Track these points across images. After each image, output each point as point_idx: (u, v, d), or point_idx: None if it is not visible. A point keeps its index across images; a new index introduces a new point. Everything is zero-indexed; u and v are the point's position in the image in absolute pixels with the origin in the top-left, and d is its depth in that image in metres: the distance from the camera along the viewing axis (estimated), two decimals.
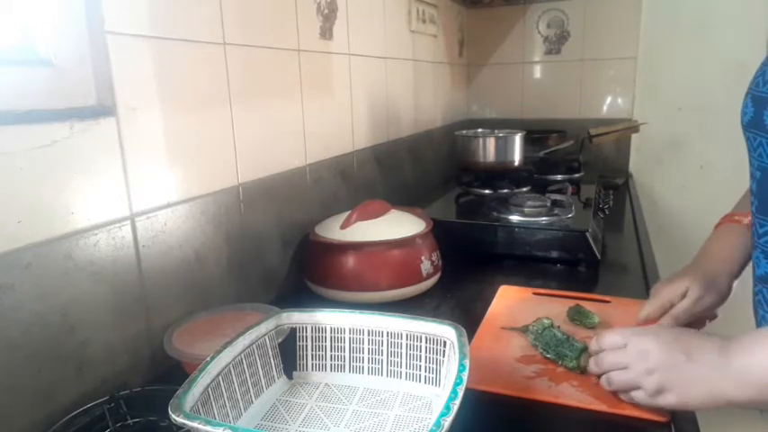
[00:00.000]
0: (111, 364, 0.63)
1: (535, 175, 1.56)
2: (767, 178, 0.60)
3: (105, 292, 0.62)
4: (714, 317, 0.75)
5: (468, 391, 0.48)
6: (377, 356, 0.64)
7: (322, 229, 0.94)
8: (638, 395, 0.57)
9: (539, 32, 1.98)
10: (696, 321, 0.73)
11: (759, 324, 0.65)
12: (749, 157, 0.64)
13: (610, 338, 0.61)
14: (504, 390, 0.64)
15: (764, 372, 0.49)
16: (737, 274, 0.72)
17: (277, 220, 0.92)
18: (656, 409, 0.57)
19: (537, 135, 1.77)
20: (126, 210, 0.64)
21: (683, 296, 0.70)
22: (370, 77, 1.25)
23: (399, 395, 0.62)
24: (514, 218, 1.11)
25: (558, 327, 0.74)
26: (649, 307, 0.72)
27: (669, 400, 0.55)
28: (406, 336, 0.62)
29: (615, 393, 0.61)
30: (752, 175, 0.64)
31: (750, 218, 0.70)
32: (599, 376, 0.62)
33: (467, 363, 0.52)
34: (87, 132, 0.58)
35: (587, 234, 1.03)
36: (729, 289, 0.72)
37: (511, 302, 0.88)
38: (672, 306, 0.71)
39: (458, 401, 0.46)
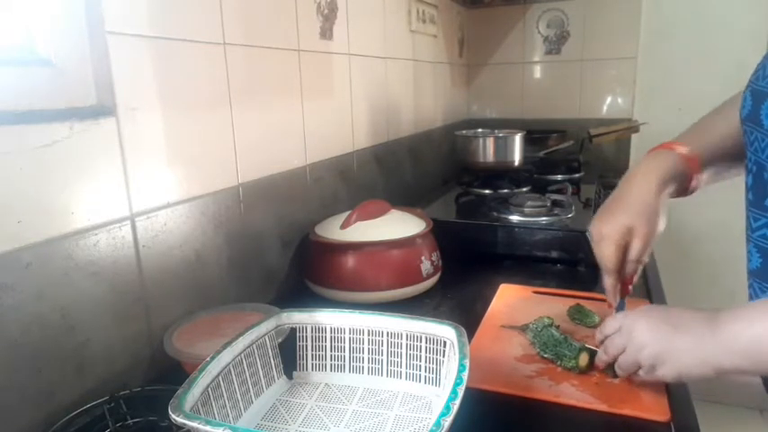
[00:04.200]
0: (111, 364, 0.63)
1: (535, 175, 1.56)
2: (762, 172, 0.60)
3: (105, 292, 0.62)
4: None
5: (468, 390, 0.48)
6: (377, 356, 0.64)
7: (322, 229, 0.94)
8: (641, 373, 0.59)
9: (539, 32, 1.98)
10: None
11: None
12: (746, 151, 0.64)
13: (608, 325, 0.64)
14: (504, 389, 0.64)
15: (751, 339, 0.50)
16: (661, 192, 0.71)
17: (277, 220, 0.92)
18: (657, 382, 0.59)
19: (537, 135, 1.77)
20: (126, 210, 0.64)
21: (630, 232, 0.69)
22: (370, 77, 1.25)
23: (399, 395, 0.62)
24: (514, 218, 1.11)
25: (558, 326, 0.74)
26: (609, 249, 0.69)
27: (665, 372, 0.56)
28: (406, 336, 0.62)
29: (616, 392, 0.61)
30: (747, 169, 0.64)
31: (685, 148, 0.72)
32: (609, 367, 0.64)
33: (467, 363, 0.52)
34: (87, 132, 0.58)
35: (587, 234, 1.03)
36: (660, 209, 0.70)
37: (511, 301, 0.88)
38: (626, 243, 0.69)
39: (458, 401, 0.45)
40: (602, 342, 0.65)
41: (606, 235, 0.70)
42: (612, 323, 0.64)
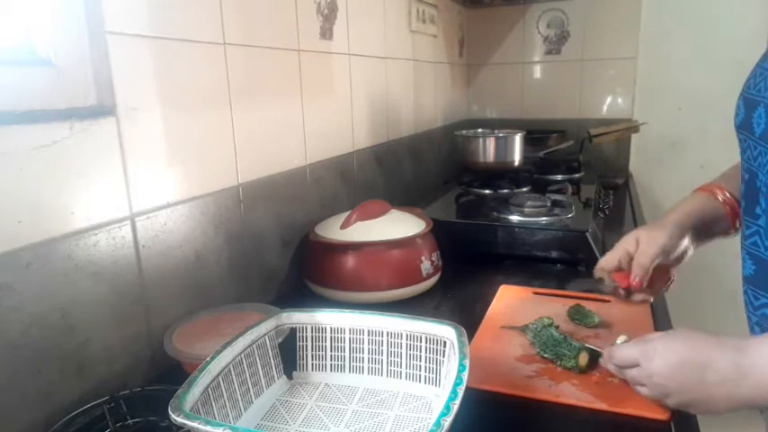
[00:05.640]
0: (110, 364, 0.63)
1: (535, 175, 1.56)
2: (754, 180, 0.60)
3: (105, 293, 0.62)
4: (674, 264, 0.75)
5: (468, 390, 0.48)
6: (377, 356, 0.64)
7: (322, 229, 0.94)
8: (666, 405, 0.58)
9: (539, 32, 1.98)
10: (661, 273, 0.74)
11: (748, 322, 0.66)
12: (741, 158, 0.64)
13: (621, 357, 0.61)
14: (504, 389, 0.64)
15: None
16: (686, 226, 0.73)
17: (277, 220, 0.92)
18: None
19: (537, 135, 1.77)
20: (126, 210, 0.64)
21: (637, 243, 0.72)
22: (370, 77, 1.25)
23: (399, 395, 0.62)
24: (514, 218, 1.11)
25: (558, 326, 0.74)
26: (607, 256, 0.74)
27: (694, 412, 0.57)
28: (406, 336, 0.62)
29: (617, 391, 0.61)
30: (741, 176, 0.64)
31: (724, 192, 0.74)
32: None
33: (467, 363, 0.52)
34: (87, 132, 0.58)
35: (587, 234, 1.03)
36: (677, 232, 0.72)
37: (511, 302, 0.88)
38: (628, 254, 0.72)
39: (458, 401, 0.46)
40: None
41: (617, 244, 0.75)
42: (626, 355, 0.60)
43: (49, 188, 0.55)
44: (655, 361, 0.56)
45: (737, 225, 0.74)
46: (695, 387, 0.54)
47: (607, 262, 0.74)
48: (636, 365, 0.59)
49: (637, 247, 0.72)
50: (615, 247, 0.74)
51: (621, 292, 0.73)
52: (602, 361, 0.65)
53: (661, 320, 0.80)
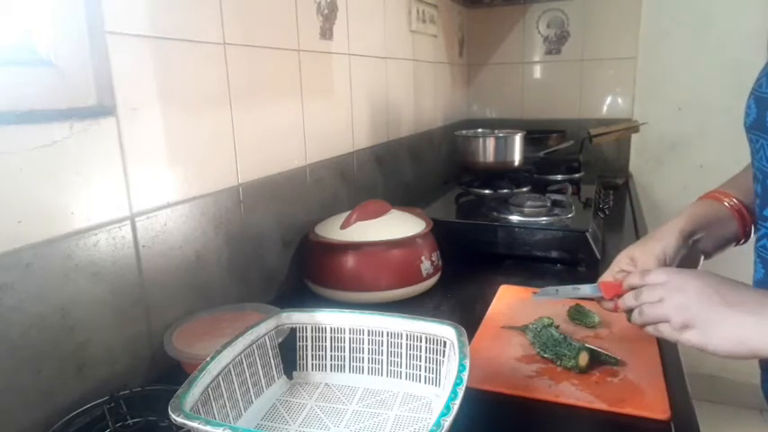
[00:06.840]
0: (111, 365, 0.63)
1: (535, 175, 1.56)
2: (766, 181, 0.60)
3: (105, 293, 0.62)
4: None
5: (468, 390, 0.48)
6: (377, 356, 0.64)
7: (322, 229, 0.94)
8: (664, 328, 0.57)
9: (539, 32, 1.98)
10: None
11: None
12: (752, 159, 0.63)
13: (654, 275, 0.60)
14: (504, 389, 0.64)
15: None
16: (685, 230, 0.70)
17: (277, 221, 0.92)
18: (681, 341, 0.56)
19: (537, 135, 1.77)
20: (126, 210, 0.64)
21: (633, 262, 0.69)
22: (370, 77, 1.25)
23: (399, 395, 0.62)
24: (514, 218, 1.11)
25: (558, 326, 0.74)
26: (604, 277, 0.71)
27: (691, 337, 0.54)
28: (406, 336, 0.62)
29: (617, 391, 0.61)
30: (755, 177, 0.63)
31: (731, 198, 0.72)
32: (630, 311, 0.62)
33: (467, 363, 0.52)
34: (87, 132, 0.58)
35: (587, 234, 1.03)
36: (674, 238, 0.69)
37: (511, 302, 0.88)
38: (621, 272, 0.69)
39: (458, 401, 0.46)
40: (637, 286, 0.62)
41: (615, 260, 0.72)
42: (659, 276, 0.59)
43: (48, 188, 0.55)
44: (689, 276, 0.56)
45: (748, 230, 0.72)
46: (715, 305, 0.53)
47: (604, 278, 0.71)
48: (663, 283, 0.58)
49: (634, 265, 0.68)
50: (610, 268, 0.71)
51: (609, 305, 0.68)
52: (622, 301, 0.63)
53: None
